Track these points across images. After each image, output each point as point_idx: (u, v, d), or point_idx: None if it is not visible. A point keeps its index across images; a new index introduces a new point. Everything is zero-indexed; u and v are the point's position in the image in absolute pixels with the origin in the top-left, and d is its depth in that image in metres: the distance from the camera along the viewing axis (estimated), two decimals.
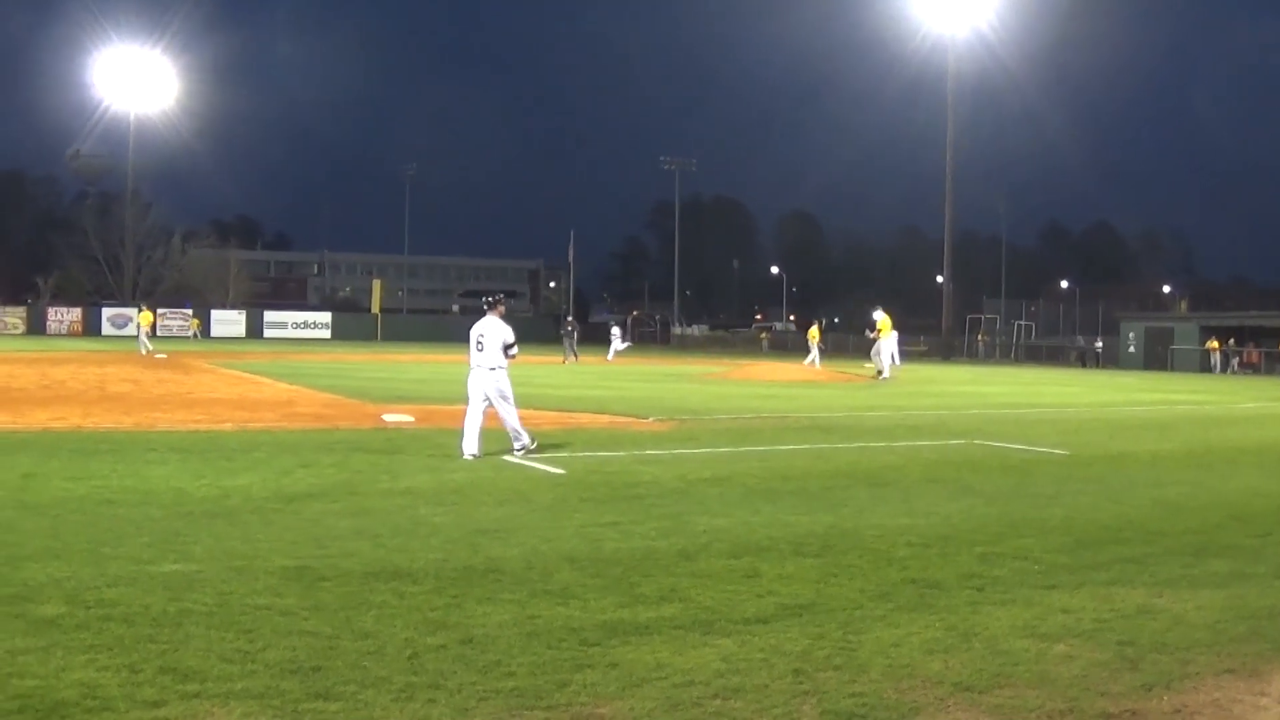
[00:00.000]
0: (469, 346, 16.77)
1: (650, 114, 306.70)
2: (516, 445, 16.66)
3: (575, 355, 54.28)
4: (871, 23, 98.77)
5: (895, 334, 44.94)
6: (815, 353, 53.85)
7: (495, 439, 16.49)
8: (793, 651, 7.04)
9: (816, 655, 6.98)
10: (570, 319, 60.52)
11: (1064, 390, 40.60)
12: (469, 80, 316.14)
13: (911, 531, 11.14)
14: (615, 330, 64.28)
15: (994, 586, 8.88)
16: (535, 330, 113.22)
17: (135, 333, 58.25)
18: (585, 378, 40.51)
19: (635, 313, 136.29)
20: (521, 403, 17.30)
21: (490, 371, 16.47)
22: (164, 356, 49.26)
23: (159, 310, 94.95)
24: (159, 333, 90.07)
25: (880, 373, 43.68)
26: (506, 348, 16.58)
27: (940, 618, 7.91)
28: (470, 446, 16.25)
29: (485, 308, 16.92)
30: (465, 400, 16.80)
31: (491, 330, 16.59)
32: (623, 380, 39.88)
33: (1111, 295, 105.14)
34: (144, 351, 52.11)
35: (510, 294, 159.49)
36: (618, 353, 59.97)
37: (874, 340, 44.82)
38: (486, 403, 16.49)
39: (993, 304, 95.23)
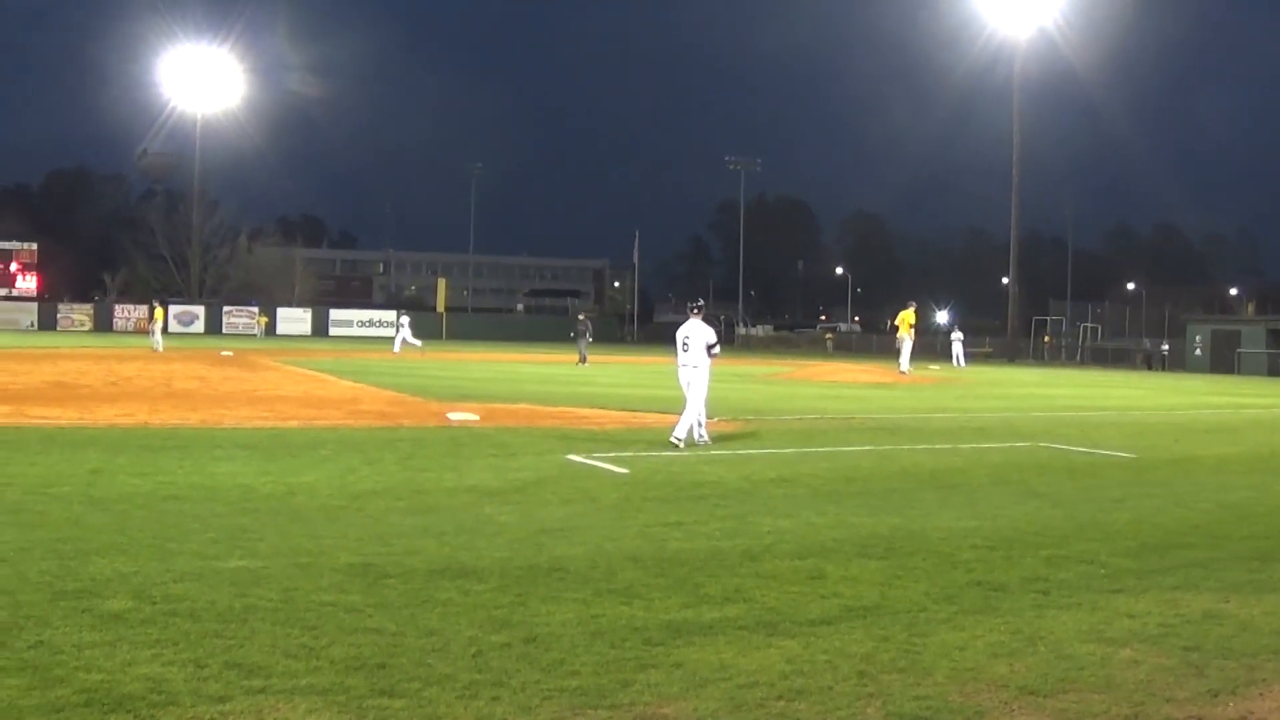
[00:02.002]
0: (675, 347, 18.94)
1: (716, 114, 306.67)
2: (677, 433, 17.90)
3: (584, 357, 49.81)
4: (937, 22, 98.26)
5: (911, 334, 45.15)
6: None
7: (552, 442, 16.48)
8: (857, 654, 7.00)
9: (881, 658, 6.94)
10: (582, 316, 57.19)
11: (1130, 393, 40.19)
12: (535, 78, 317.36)
13: (977, 534, 11.06)
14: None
15: (1059, 590, 8.80)
16: (600, 330, 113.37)
17: (150, 330, 58.24)
18: (649, 377, 40.51)
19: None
20: (584, 402, 17.46)
21: (694, 369, 18.41)
22: (230, 354, 49.64)
23: (225, 308, 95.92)
24: (224, 330, 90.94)
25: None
26: (709, 347, 18.52)
27: (1005, 621, 7.85)
28: (700, 435, 18.31)
29: (690, 312, 18.98)
30: (682, 396, 18.67)
31: (696, 332, 18.55)
32: None
33: (1178, 297, 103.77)
34: (156, 349, 52.31)
35: (574, 293, 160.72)
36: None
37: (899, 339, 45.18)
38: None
39: (1058, 306, 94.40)
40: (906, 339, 44.75)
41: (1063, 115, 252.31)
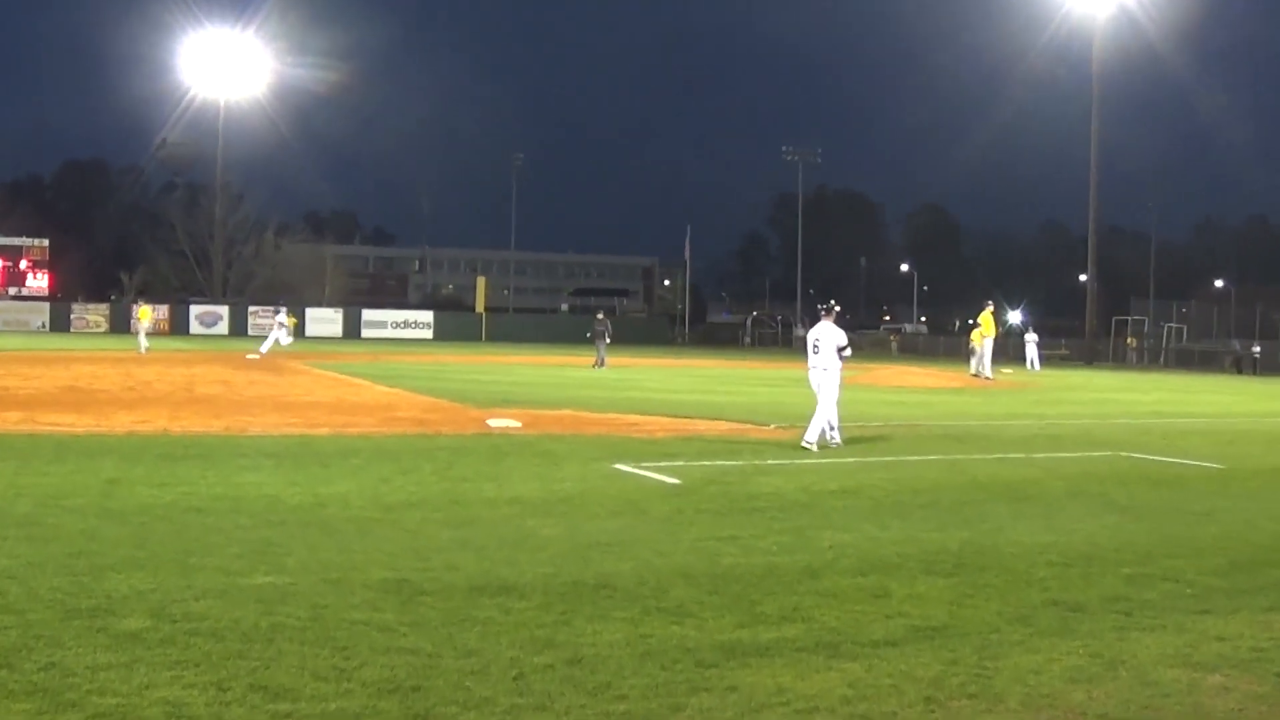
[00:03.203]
0: (805, 349, 20.14)
1: (772, 102, 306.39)
2: (809, 437, 18.91)
3: (602, 360, 49.26)
4: (1008, 2, 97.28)
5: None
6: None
7: (599, 451, 16.49)
8: (924, 677, 6.97)
9: (950, 682, 6.90)
10: (600, 316, 55.19)
11: (1218, 399, 39.86)
12: (579, 66, 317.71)
13: (1053, 550, 10.99)
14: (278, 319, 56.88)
15: (1143, 611, 8.73)
16: (648, 332, 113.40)
17: (135, 330, 58.04)
18: (701, 381, 40.50)
19: (755, 313, 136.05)
20: (632, 408, 17.50)
21: (824, 371, 19.37)
22: (255, 357, 49.89)
23: (250, 308, 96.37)
24: (249, 331, 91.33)
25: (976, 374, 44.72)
26: (839, 350, 19.51)
27: (1084, 644, 7.79)
28: (834, 436, 19.30)
29: (821, 314, 19.99)
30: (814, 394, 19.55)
31: (826, 334, 19.55)
32: (741, 385, 39.81)
33: (1270, 296, 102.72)
34: (142, 350, 52.41)
35: (622, 293, 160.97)
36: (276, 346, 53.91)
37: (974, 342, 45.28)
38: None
39: (1140, 305, 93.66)
40: (988, 341, 44.76)
41: (1145, 99, 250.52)
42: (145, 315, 58.01)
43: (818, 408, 19.29)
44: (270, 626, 7.62)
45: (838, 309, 20.58)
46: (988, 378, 44.28)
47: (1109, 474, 17.15)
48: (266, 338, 55.26)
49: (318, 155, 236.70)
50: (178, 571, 9.09)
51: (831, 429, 19.40)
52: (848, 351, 19.74)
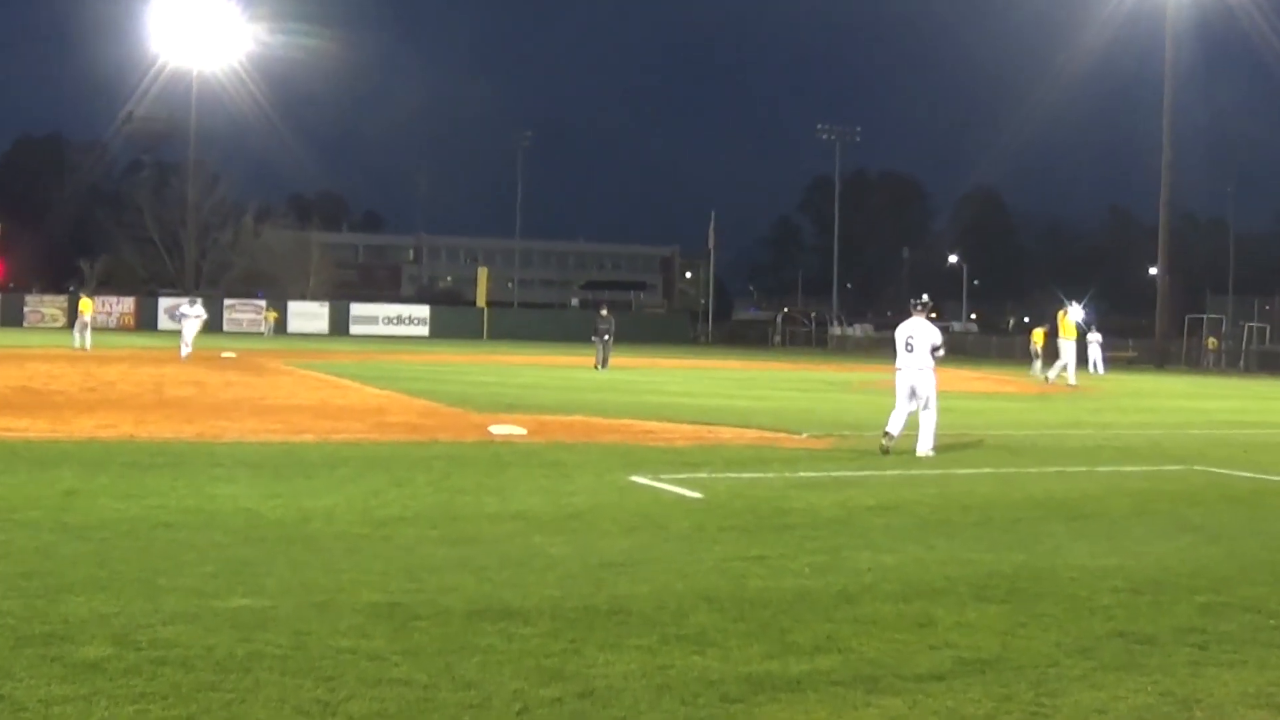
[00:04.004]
0: (896, 348, 20.34)
1: (806, 74, 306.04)
2: (925, 448, 19.75)
3: (603, 361, 49.43)
4: None
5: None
6: (1040, 362, 53.52)
7: (613, 461, 16.49)
8: (974, 715, 6.96)
9: None
10: (605, 312, 53.71)
11: None
12: (592, 34, 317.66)
13: (1118, 574, 10.96)
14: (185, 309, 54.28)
15: (1219, 644, 8.70)
16: (668, 329, 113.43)
17: (74, 324, 57.60)
18: (725, 385, 40.50)
19: (786, 309, 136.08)
20: (650, 413, 17.51)
21: (918, 372, 19.87)
22: (232, 356, 49.97)
23: (226, 301, 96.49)
24: (225, 328, 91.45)
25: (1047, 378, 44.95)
26: (934, 349, 19.97)
27: (1153, 680, 7.77)
28: (894, 427, 19.74)
29: (914, 310, 20.42)
30: (893, 396, 20.30)
31: (920, 331, 20.02)
32: (770, 389, 39.82)
33: None
34: (78, 345, 52.34)
35: (639, 286, 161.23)
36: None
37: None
38: (914, 402, 19.92)
39: (1217, 302, 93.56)
40: (1067, 345, 44.67)
41: (1226, 69, 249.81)
42: (88, 308, 58.13)
43: (925, 414, 19.86)
44: (247, 655, 7.61)
45: (931, 303, 21.04)
46: (1071, 384, 44.11)
47: (1181, 490, 17.10)
48: (182, 333, 51.10)
49: (302, 132, 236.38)
50: (144, 593, 9.09)
51: (889, 437, 19.76)
52: (942, 351, 20.25)
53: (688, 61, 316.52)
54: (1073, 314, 45.47)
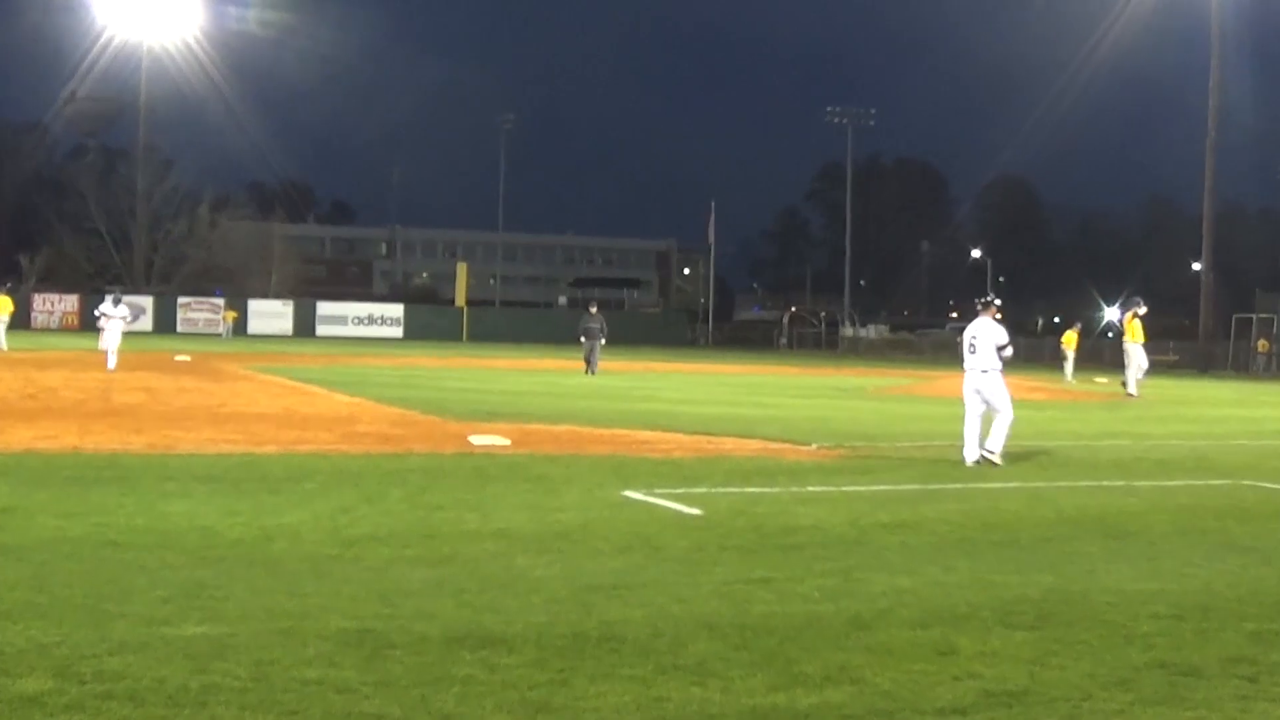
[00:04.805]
0: (961, 349, 21.27)
1: (814, 53, 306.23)
2: (995, 452, 20.39)
3: (592, 365, 49.28)
4: None
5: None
6: (1069, 364, 53.60)
7: (604, 474, 16.47)
8: None
9: None
10: (594, 310, 52.79)
11: None
12: (580, 11, 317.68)
13: (1159, 599, 10.97)
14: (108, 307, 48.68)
15: (1271, 676, 8.71)
16: (664, 331, 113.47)
17: None
18: (727, 391, 40.51)
19: (793, 308, 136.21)
20: (645, 422, 17.53)
21: (983, 374, 20.69)
22: (187, 359, 49.92)
23: (180, 299, 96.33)
24: (179, 328, 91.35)
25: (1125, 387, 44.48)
26: (999, 349, 20.77)
27: (1198, 715, 7.78)
28: (971, 453, 20.40)
29: (979, 309, 21.32)
30: (961, 402, 21.04)
31: (984, 332, 20.82)
32: (775, 395, 39.84)
33: None
34: None
35: (633, 283, 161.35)
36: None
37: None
38: (984, 406, 20.65)
39: (1268, 300, 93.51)
40: (1136, 349, 44.33)
41: (1276, 46, 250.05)
42: (6, 308, 57.80)
43: (998, 416, 20.56)
44: (202, 688, 7.60)
45: (997, 303, 21.60)
46: (1131, 394, 43.84)
47: (1228, 507, 17.11)
48: (103, 339, 46.59)
49: (263, 114, 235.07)
50: (89, 621, 9.07)
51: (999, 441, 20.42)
52: (1008, 351, 21.04)
53: (685, 38, 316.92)
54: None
